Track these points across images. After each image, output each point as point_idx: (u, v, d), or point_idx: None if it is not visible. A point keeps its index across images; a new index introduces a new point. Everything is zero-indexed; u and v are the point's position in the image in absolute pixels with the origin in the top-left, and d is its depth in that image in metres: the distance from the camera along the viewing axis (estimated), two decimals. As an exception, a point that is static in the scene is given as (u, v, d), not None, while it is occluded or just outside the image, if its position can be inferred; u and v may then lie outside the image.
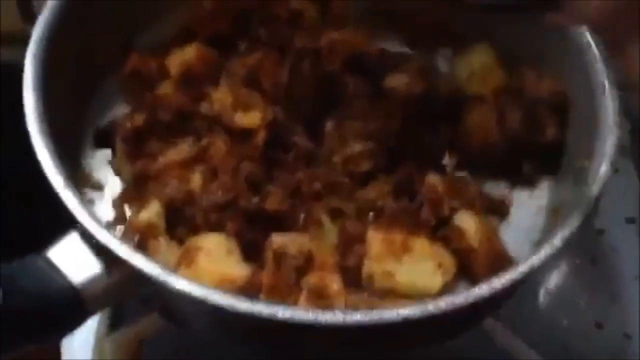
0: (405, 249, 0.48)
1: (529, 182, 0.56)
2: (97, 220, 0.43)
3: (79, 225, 0.42)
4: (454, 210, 0.51)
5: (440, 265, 0.48)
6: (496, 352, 0.55)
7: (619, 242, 0.62)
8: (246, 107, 0.53)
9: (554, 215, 0.54)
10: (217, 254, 0.46)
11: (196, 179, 0.50)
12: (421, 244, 0.48)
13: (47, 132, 0.46)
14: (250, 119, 0.53)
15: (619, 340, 0.56)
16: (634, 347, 0.56)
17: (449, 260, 0.49)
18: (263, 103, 0.54)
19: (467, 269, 0.49)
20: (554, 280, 0.61)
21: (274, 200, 0.50)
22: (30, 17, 0.67)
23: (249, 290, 0.44)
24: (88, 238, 0.43)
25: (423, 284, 0.47)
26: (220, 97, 0.54)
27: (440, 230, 0.51)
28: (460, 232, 0.50)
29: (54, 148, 0.46)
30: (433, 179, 0.52)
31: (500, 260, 0.49)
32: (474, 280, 0.48)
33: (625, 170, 0.65)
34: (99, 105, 0.58)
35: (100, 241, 0.42)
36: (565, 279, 0.60)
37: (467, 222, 0.50)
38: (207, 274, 0.44)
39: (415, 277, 0.47)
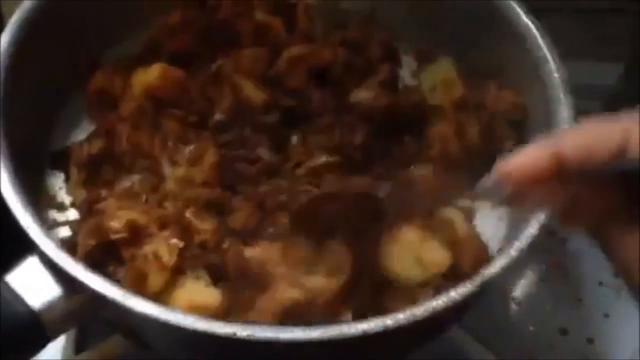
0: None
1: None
2: (56, 243, 0.43)
3: (37, 249, 0.42)
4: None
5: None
6: (464, 360, 0.56)
7: (583, 248, 0.62)
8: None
9: (515, 224, 0.54)
10: (187, 284, 0.46)
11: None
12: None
13: (8, 153, 0.46)
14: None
15: (582, 345, 0.57)
16: (597, 351, 0.57)
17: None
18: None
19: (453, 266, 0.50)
20: (520, 287, 0.61)
21: (240, 217, 0.50)
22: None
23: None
24: (47, 262, 0.42)
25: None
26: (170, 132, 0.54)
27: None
28: (449, 223, 0.50)
29: (15, 170, 0.45)
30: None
31: (483, 255, 0.50)
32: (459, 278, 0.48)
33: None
34: (66, 123, 0.58)
35: (59, 265, 0.42)
36: (532, 285, 0.61)
37: (454, 213, 0.51)
38: (180, 305, 0.45)
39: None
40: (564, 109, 0.51)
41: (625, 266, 0.35)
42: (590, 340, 0.57)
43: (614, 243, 0.36)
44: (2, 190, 0.43)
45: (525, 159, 0.35)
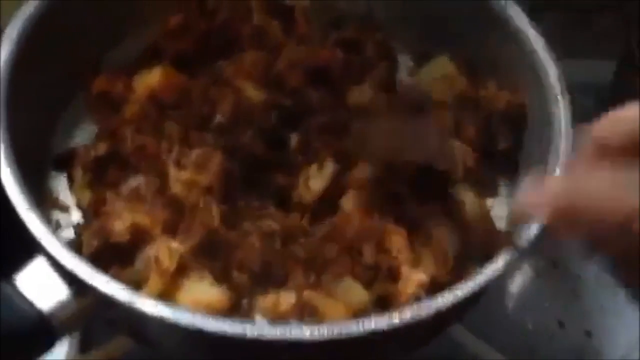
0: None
1: (490, 190, 0.58)
2: (63, 244, 0.43)
3: (44, 250, 0.43)
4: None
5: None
6: (464, 356, 0.56)
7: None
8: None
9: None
10: (192, 284, 0.46)
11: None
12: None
13: (12, 154, 0.46)
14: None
15: (581, 337, 0.58)
16: (595, 344, 0.58)
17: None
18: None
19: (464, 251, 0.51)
20: (518, 282, 0.62)
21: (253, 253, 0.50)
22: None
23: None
24: (54, 263, 0.43)
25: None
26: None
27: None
28: (460, 204, 0.51)
29: (19, 171, 0.46)
30: None
31: (495, 239, 0.50)
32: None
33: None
34: (68, 125, 0.58)
35: (66, 266, 0.42)
36: (529, 280, 0.62)
37: (466, 194, 0.52)
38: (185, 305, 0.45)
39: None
40: (561, 110, 0.52)
41: None
42: (588, 333, 0.58)
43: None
44: (8, 192, 0.44)
45: (534, 201, 0.37)
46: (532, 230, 0.45)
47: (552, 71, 0.54)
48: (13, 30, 0.51)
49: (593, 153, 0.37)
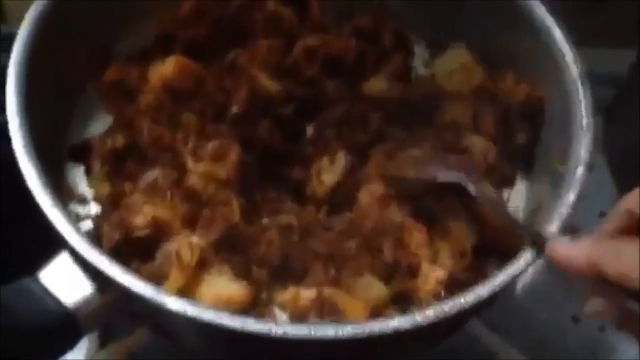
0: None
1: (508, 181, 0.58)
2: (86, 240, 0.43)
3: (68, 245, 0.43)
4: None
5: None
6: (478, 349, 0.57)
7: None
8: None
9: (532, 216, 0.55)
10: (212, 278, 0.46)
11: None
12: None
13: (31, 149, 0.46)
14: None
15: (595, 333, 0.58)
16: (609, 339, 0.58)
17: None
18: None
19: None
20: (530, 276, 0.62)
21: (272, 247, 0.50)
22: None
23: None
24: (78, 258, 0.43)
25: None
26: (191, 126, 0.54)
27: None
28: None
29: (39, 166, 0.45)
30: None
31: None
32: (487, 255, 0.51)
33: (597, 165, 0.67)
34: (82, 115, 0.57)
35: (91, 262, 0.42)
36: (542, 275, 0.62)
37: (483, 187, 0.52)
38: (206, 299, 0.45)
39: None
40: (582, 105, 0.52)
41: None
42: (602, 329, 0.58)
43: None
44: (31, 188, 0.44)
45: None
46: (553, 227, 0.46)
47: (573, 65, 0.54)
48: (26, 25, 0.51)
49: (624, 223, 0.38)
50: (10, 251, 0.51)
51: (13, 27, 0.51)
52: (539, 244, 0.44)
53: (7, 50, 0.50)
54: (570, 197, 0.47)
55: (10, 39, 0.50)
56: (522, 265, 0.44)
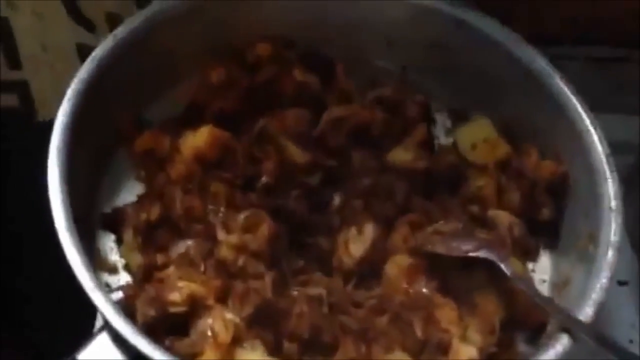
0: None
1: (532, 255, 0.59)
2: (126, 321, 0.43)
3: (111, 328, 0.43)
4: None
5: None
6: None
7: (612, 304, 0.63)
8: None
9: (556, 289, 0.56)
10: (245, 354, 0.47)
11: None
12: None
13: (73, 227, 0.47)
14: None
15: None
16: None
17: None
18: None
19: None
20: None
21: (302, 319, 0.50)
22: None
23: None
24: (117, 339, 0.43)
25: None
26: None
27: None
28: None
29: (79, 245, 0.46)
30: None
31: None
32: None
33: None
34: (112, 183, 0.58)
35: (133, 344, 0.42)
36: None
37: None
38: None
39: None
40: (610, 188, 0.53)
41: None
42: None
43: None
44: (75, 270, 0.44)
45: None
46: (589, 311, 0.46)
47: (598, 144, 0.55)
48: (62, 112, 0.52)
49: None
50: (49, 333, 0.51)
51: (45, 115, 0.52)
52: (577, 329, 0.45)
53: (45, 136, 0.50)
54: (603, 281, 0.48)
55: (46, 127, 0.51)
56: (560, 351, 0.45)
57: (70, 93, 0.52)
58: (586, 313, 0.46)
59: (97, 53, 0.55)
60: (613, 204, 0.52)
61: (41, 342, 0.42)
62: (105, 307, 0.43)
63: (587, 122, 0.56)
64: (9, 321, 0.63)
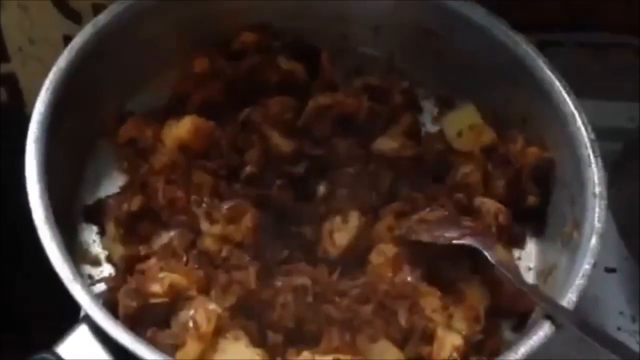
0: None
1: (518, 242, 0.58)
2: (106, 313, 0.43)
3: (89, 319, 0.42)
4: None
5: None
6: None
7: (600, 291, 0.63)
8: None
9: (542, 277, 0.56)
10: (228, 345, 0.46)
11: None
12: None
13: (51, 219, 0.46)
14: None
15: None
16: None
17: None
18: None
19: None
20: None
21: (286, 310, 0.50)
22: None
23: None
24: (98, 332, 0.43)
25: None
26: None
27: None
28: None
29: (59, 237, 0.45)
30: None
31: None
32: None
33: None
34: (94, 175, 0.57)
35: (113, 337, 0.42)
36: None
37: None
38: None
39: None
40: (595, 174, 0.52)
41: None
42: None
43: None
44: (52, 261, 0.44)
45: None
46: (572, 297, 0.46)
47: (584, 131, 0.54)
48: (45, 92, 0.52)
49: None
50: (29, 325, 0.50)
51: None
52: (559, 316, 0.44)
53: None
54: (586, 267, 0.48)
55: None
56: (543, 337, 0.44)
57: (48, 83, 0.52)
58: (569, 299, 0.46)
59: (76, 41, 0.54)
60: (597, 189, 0.52)
61: (42, 342, 0.41)
62: (83, 298, 0.42)
63: (572, 106, 0.55)
64: (9, 321, 0.63)
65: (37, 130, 0.50)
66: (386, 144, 0.60)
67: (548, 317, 0.46)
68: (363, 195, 0.58)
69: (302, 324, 0.51)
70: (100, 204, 0.55)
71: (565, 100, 0.56)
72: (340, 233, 0.56)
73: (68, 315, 0.43)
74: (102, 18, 0.56)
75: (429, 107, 0.65)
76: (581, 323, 0.45)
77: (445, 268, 0.54)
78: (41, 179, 0.47)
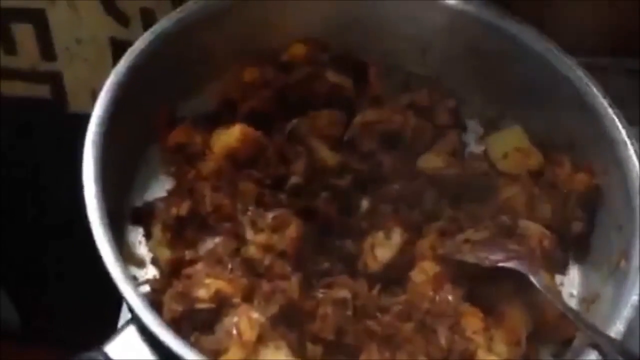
0: None
1: (561, 268, 0.58)
2: (155, 315, 0.43)
3: (139, 321, 0.43)
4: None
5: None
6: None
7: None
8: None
9: (585, 304, 0.55)
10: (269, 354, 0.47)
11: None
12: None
13: (106, 221, 0.47)
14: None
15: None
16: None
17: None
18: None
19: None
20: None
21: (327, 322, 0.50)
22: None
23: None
24: (144, 332, 0.43)
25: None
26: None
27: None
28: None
29: (111, 238, 0.46)
30: None
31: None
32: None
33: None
34: (142, 178, 0.58)
35: (160, 339, 0.42)
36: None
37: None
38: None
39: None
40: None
41: None
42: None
43: None
44: (105, 263, 0.44)
45: None
46: (619, 328, 0.45)
47: (635, 159, 0.54)
48: (99, 106, 0.53)
49: None
50: (78, 324, 0.51)
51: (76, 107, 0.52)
52: (606, 345, 0.44)
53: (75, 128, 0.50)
54: (634, 298, 0.47)
55: (77, 119, 0.51)
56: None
57: (108, 86, 0.53)
58: (617, 329, 0.46)
59: (136, 47, 0.55)
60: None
61: (70, 338, 0.42)
62: (134, 300, 0.43)
63: (623, 133, 0.55)
64: (40, 317, 0.64)
65: (96, 132, 0.51)
66: (430, 161, 0.60)
67: (593, 346, 0.46)
68: (406, 212, 0.58)
69: (342, 337, 0.51)
70: (149, 206, 0.56)
71: (617, 126, 0.56)
72: (383, 249, 0.56)
73: (103, 315, 0.44)
74: (159, 26, 0.58)
75: (473, 127, 0.65)
76: (628, 354, 0.45)
77: (487, 289, 0.54)
78: (98, 180, 0.48)
